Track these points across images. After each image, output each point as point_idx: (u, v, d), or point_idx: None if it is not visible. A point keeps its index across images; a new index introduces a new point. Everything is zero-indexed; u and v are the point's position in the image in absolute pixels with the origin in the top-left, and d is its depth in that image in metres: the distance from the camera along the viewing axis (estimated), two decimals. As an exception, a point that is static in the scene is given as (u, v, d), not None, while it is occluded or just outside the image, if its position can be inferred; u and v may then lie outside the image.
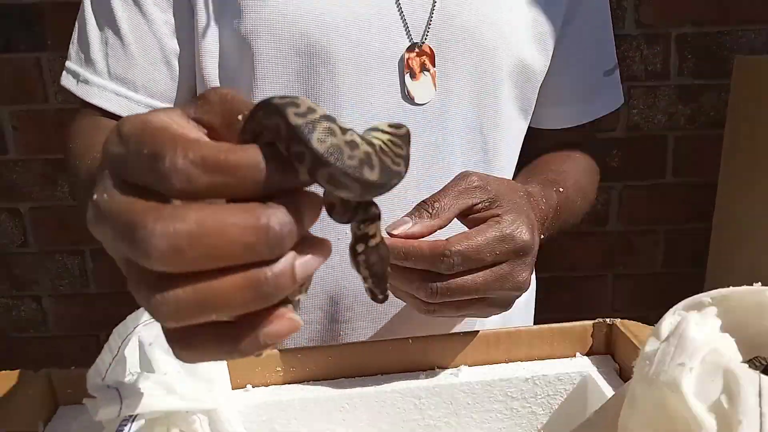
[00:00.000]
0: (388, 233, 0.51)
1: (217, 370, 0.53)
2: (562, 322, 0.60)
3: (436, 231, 0.52)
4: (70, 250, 1.66)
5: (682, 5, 1.48)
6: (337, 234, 0.64)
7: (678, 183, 1.59)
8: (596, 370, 0.58)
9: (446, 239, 0.50)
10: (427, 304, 0.52)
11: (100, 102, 0.67)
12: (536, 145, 0.78)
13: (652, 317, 0.53)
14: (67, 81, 0.70)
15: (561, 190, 0.67)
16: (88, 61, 0.68)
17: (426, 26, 0.65)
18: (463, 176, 0.54)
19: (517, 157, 0.76)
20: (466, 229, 0.53)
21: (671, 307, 0.43)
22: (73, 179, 0.67)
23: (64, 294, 1.69)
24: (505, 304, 0.55)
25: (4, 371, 0.58)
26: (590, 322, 0.61)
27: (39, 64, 1.52)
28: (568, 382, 0.58)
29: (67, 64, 0.70)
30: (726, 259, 1.45)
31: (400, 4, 0.65)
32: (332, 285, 0.68)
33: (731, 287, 0.41)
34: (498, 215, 0.52)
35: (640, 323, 0.60)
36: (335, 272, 0.67)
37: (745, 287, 0.42)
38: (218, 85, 0.67)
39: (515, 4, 0.68)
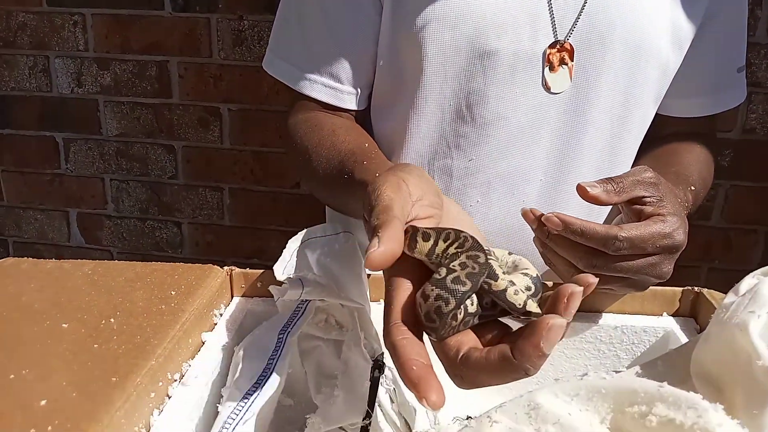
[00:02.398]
0: (578, 187, 0.54)
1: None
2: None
3: (612, 205, 0.56)
4: (212, 186, 1.78)
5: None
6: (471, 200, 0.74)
7: (786, 189, 1.53)
8: (679, 328, 0.63)
9: (619, 225, 0.53)
10: (580, 272, 0.57)
11: (312, 93, 0.75)
12: (660, 131, 0.80)
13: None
14: (276, 71, 0.77)
15: (692, 188, 0.71)
16: (299, 57, 0.75)
17: (572, 26, 0.69)
18: (642, 170, 0.58)
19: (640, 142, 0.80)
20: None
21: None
22: (303, 168, 0.74)
23: (201, 223, 1.82)
24: (642, 288, 0.59)
25: (194, 263, 0.64)
26: (680, 289, 0.65)
27: (209, 24, 1.63)
28: (652, 335, 0.63)
29: (274, 54, 0.77)
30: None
31: (552, 7, 0.68)
32: None
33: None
34: (663, 214, 0.55)
35: (725, 294, 0.62)
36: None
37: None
38: (389, 76, 0.74)
39: (657, 6, 0.71)
